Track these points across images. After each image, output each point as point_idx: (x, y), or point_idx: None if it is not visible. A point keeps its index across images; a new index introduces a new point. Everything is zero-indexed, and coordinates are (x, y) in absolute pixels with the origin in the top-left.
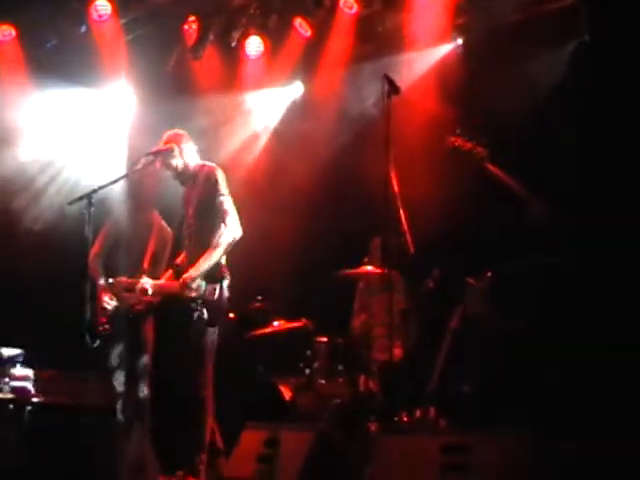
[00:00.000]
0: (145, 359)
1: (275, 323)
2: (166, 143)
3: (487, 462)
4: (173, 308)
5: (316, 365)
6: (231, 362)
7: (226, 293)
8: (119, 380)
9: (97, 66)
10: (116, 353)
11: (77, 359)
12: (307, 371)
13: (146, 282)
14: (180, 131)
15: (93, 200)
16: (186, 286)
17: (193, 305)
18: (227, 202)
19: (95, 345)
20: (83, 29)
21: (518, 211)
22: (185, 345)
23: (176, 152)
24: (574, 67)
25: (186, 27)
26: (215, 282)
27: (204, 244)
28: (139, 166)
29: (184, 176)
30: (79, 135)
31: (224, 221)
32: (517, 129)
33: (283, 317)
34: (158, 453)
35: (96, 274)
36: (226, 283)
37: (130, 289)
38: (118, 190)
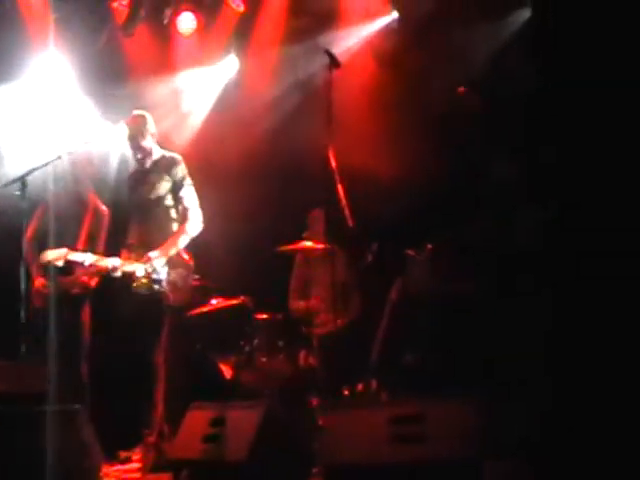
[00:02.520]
0: (83, 343)
1: (213, 301)
2: (129, 125)
3: (434, 431)
4: (127, 290)
5: (256, 342)
6: (169, 342)
7: (191, 280)
8: (57, 365)
9: (25, 45)
10: (53, 338)
11: (11, 346)
12: (247, 348)
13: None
14: (144, 113)
15: (28, 181)
16: (151, 267)
17: (155, 286)
18: (193, 193)
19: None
20: (7, 5)
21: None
22: (143, 323)
23: (139, 132)
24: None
25: (116, 4)
26: (177, 267)
27: (164, 227)
28: (75, 147)
29: (142, 156)
30: (15, 117)
31: (191, 212)
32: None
33: (221, 295)
34: (101, 438)
35: (31, 257)
36: (191, 270)
37: (66, 270)
38: (51, 171)
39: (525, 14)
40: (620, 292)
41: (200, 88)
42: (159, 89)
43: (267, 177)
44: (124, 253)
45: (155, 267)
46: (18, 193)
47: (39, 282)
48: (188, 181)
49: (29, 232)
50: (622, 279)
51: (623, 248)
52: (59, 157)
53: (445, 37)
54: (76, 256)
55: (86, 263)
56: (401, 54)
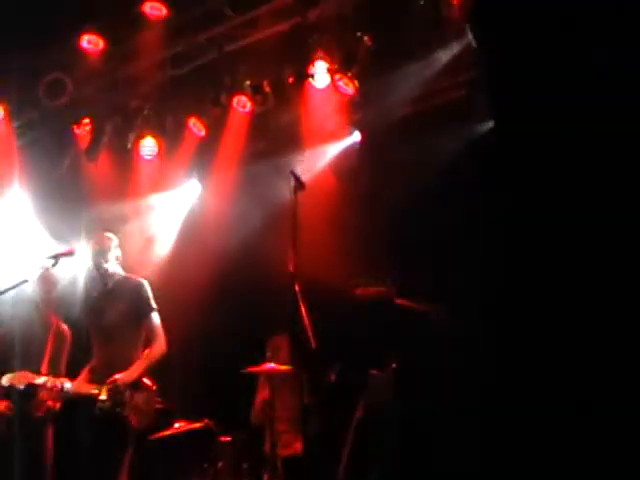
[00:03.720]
0: (46, 467)
1: (176, 425)
2: (95, 246)
3: None
4: (89, 414)
5: (220, 465)
6: (132, 467)
7: (155, 403)
8: None
9: None
10: (16, 460)
11: None
12: (211, 471)
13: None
14: (110, 235)
15: None
16: (114, 390)
17: (118, 410)
18: (157, 317)
19: None
20: None
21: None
22: (107, 447)
23: (104, 254)
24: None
25: (78, 130)
26: (140, 391)
27: (128, 351)
28: (39, 269)
29: (107, 278)
30: None
31: (155, 335)
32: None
33: (184, 418)
34: None
35: None
36: (154, 394)
37: (30, 394)
38: (11, 294)
39: (486, 126)
40: None
41: (164, 213)
42: (123, 213)
43: (233, 298)
44: (86, 374)
45: (119, 391)
46: None
47: (2, 405)
48: (153, 305)
49: None
50: None
51: None
52: (25, 281)
53: (404, 150)
54: (36, 379)
55: (48, 385)
56: (360, 170)
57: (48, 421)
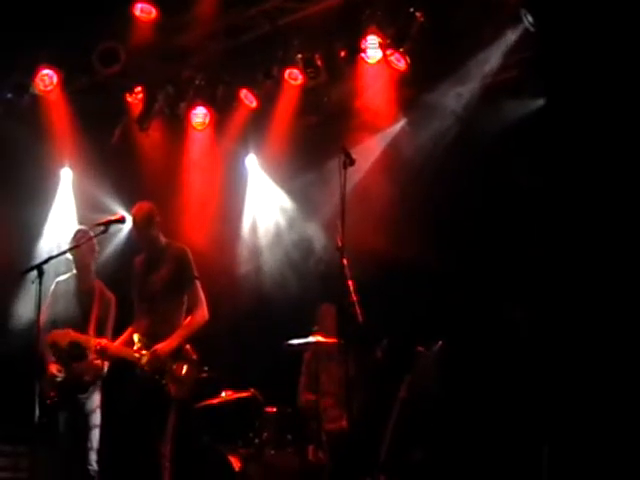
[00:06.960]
0: (94, 429)
1: (223, 394)
2: (137, 214)
3: None
4: (132, 378)
5: (265, 435)
6: (179, 433)
7: (195, 372)
8: (69, 452)
9: (43, 136)
10: (64, 424)
11: (25, 433)
12: (256, 441)
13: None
14: (150, 204)
15: (44, 270)
16: (154, 359)
17: (157, 378)
18: (199, 285)
19: (43, 420)
20: (27, 100)
21: None
22: (148, 414)
23: (147, 220)
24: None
25: (130, 99)
26: (180, 360)
27: (170, 318)
28: (89, 235)
29: (149, 246)
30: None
31: (197, 303)
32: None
33: (231, 387)
34: None
35: (43, 346)
36: (195, 363)
37: (78, 355)
38: (57, 261)
39: (538, 103)
40: None
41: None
42: (172, 180)
43: (279, 270)
44: (128, 336)
45: (159, 359)
46: (33, 282)
47: (53, 367)
48: (194, 273)
49: (41, 321)
50: None
51: None
52: (76, 246)
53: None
54: (80, 337)
55: (91, 344)
56: (410, 148)
57: (96, 384)
